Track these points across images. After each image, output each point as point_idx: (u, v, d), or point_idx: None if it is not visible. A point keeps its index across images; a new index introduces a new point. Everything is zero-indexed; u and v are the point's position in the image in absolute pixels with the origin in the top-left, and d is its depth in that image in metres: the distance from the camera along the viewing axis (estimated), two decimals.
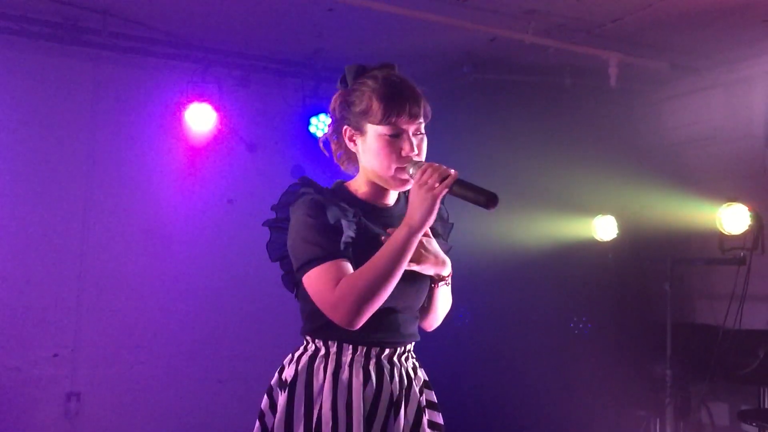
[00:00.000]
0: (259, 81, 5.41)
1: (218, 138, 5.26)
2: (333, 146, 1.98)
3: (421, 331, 2.01)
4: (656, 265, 4.66)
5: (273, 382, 1.91)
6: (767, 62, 4.67)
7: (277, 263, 1.96)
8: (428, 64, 5.09)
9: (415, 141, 1.80)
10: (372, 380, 1.79)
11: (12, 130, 4.83)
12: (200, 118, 5.05)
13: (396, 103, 1.78)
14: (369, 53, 4.97)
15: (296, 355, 1.88)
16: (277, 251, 1.93)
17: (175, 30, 4.80)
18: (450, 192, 1.68)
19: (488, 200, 1.65)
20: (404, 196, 1.97)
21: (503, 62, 4.99)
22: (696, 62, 4.87)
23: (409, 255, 1.71)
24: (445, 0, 4.00)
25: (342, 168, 1.99)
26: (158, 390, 5.14)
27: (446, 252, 1.95)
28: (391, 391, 1.80)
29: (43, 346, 4.89)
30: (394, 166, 1.80)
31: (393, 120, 1.78)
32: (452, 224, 2.03)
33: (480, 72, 5.02)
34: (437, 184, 1.68)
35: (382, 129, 1.80)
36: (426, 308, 1.98)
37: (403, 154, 1.79)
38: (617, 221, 4.82)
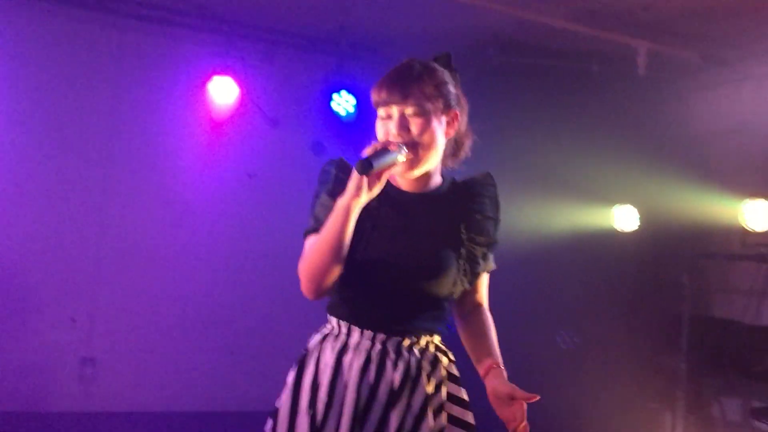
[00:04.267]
0: (283, 56, 5.39)
1: (240, 112, 5.26)
2: None
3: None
4: (676, 257, 4.61)
5: (298, 357, 1.92)
6: None
7: None
8: (453, 45, 5.00)
9: (409, 123, 1.79)
10: (372, 366, 1.79)
11: (36, 98, 4.86)
12: (223, 92, 5.05)
13: (379, 86, 1.82)
14: (394, 32, 4.94)
15: (318, 331, 1.93)
16: None
17: (201, 1, 4.78)
18: (356, 167, 1.66)
19: (359, 167, 1.65)
20: (450, 182, 1.94)
21: (530, 46, 4.93)
22: (726, 54, 4.77)
23: (347, 227, 1.71)
24: None
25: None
26: (172, 359, 5.19)
27: (492, 247, 1.90)
28: (393, 379, 1.79)
29: (61, 310, 4.95)
30: None
31: (377, 99, 1.82)
32: (498, 220, 1.92)
33: (506, 55, 4.95)
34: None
35: (378, 111, 1.85)
36: (473, 332, 1.94)
37: (389, 136, 1.80)
38: (639, 212, 4.77)
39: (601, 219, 4.87)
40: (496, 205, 1.93)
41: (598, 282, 4.98)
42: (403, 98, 1.78)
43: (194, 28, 5.02)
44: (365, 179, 1.68)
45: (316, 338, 1.90)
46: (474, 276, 1.90)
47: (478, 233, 1.88)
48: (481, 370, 1.86)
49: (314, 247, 1.77)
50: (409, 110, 1.79)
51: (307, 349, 1.89)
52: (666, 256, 4.84)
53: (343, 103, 5.30)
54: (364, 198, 1.70)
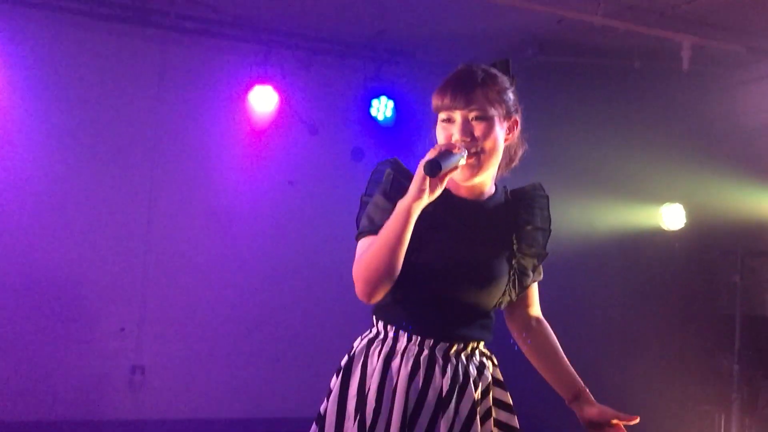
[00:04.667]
0: (321, 63, 5.42)
1: (280, 120, 5.30)
2: None
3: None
4: (725, 256, 4.50)
5: (342, 362, 1.92)
6: None
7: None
8: (492, 46, 5.01)
9: (473, 127, 1.78)
10: (420, 372, 1.79)
11: (81, 111, 4.97)
12: (263, 100, 5.10)
13: (441, 90, 1.81)
14: (432, 35, 4.92)
15: (362, 336, 1.92)
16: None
17: (240, 12, 4.84)
18: (424, 168, 1.65)
19: (428, 169, 1.63)
20: (505, 192, 1.93)
21: (570, 44, 4.87)
22: None
23: (406, 229, 1.68)
24: None
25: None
26: (218, 365, 5.25)
27: (542, 258, 1.91)
28: (441, 386, 1.79)
29: (110, 320, 5.05)
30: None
31: (440, 104, 1.80)
32: (550, 231, 1.94)
33: (546, 54, 4.90)
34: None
35: (439, 115, 1.83)
36: (534, 355, 1.98)
37: (452, 140, 1.78)
38: (685, 210, 4.67)
39: (648, 218, 4.78)
40: (548, 217, 1.93)
41: (648, 282, 4.89)
42: (467, 103, 1.77)
43: (234, 38, 5.08)
44: (428, 181, 1.66)
45: (361, 343, 1.89)
46: (522, 288, 1.90)
47: (530, 245, 1.88)
48: (566, 395, 1.92)
49: (372, 250, 1.72)
50: (472, 115, 1.78)
51: (352, 355, 1.88)
52: (716, 255, 4.73)
53: (382, 108, 5.30)
54: (426, 200, 1.68)
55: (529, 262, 1.88)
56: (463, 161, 1.72)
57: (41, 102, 4.83)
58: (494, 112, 1.79)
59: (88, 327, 4.98)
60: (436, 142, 1.83)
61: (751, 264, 4.44)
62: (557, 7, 4.19)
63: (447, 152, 1.67)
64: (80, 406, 4.90)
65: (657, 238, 4.81)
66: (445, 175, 1.68)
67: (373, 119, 5.31)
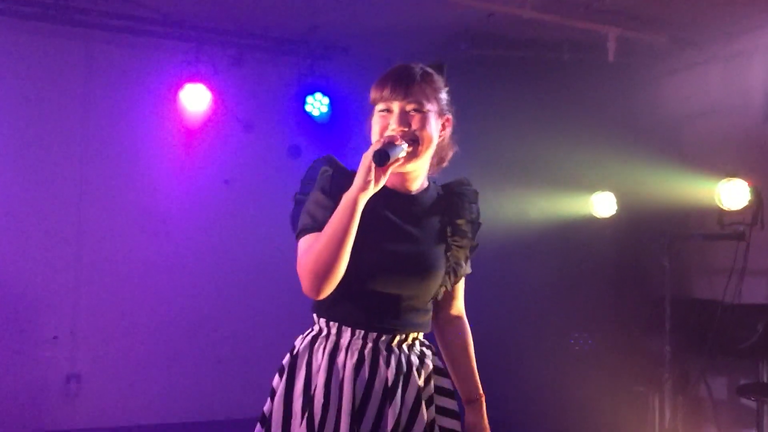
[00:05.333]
0: (254, 60, 5.36)
1: (213, 118, 5.23)
2: None
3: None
4: (655, 240, 4.64)
5: (284, 361, 1.93)
6: (766, 35, 4.63)
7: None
8: (425, 40, 5.04)
9: (410, 119, 1.84)
10: (365, 365, 1.83)
11: (5, 112, 4.80)
12: (195, 99, 5.02)
13: (383, 79, 1.87)
14: (365, 31, 4.92)
15: (304, 335, 1.94)
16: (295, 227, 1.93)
17: (168, 9, 4.74)
18: (374, 158, 1.71)
19: (376, 158, 1.70)
20: (435, 186, 2.00)
21: (501, 38, 4.94)
22: (694, 36, 4.82)
23: (353, 221, 1.72)
24: None
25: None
26: (157, 370, 5.15)
27: (473, 249, 2.00)
28: (386, 377, 1.83)
29: (43, 328, 4.90)
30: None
31: (380, 95, 1.85)
32: (480, 224, 2.02)
33: (477, 48, 4.97)
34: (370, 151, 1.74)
35: (377, 106, 1.88)
36: (445, 353, 2.07)
37: (389, 129, 1.83)
38: (616, 197, 4.81)
39: (580, 206, 4.90)
40: (477, 210, 2.02)
41: (581, 268, 5.01)
42: (406, 95, 1.84)
43: (163, 36, 4.97)
44: (374, 172, 1.71)
45: (304, 341, 1.90)
46: (456, 278, 1.98)
47: (462, 236, 1.96)
48: (463, 395, 2.05)
49: (321, 244, 1.73)
50: (410, 107, 1.84)
51: (295, 354, 1.89)
52: (646, 240, 4.87)
53: (317, 104, 5.28)
54: (371, 191, 1.73)
55: (461, 254, 1.97)
56: (404, 153, 1.78)
57: None
58: (430, 107, 1.86)
59: (19, 336, 4.82)
60: (372, 135, 1.88)
61: (678, 247, 4.60)
62: (488, 1, 4.25)
63: (391, 144, 1.74)
64: (14, 417, 4.74)
65: (589, 225, 4.93)
66: (390, 165, 1.73)
67: (309, 115, 5.29)
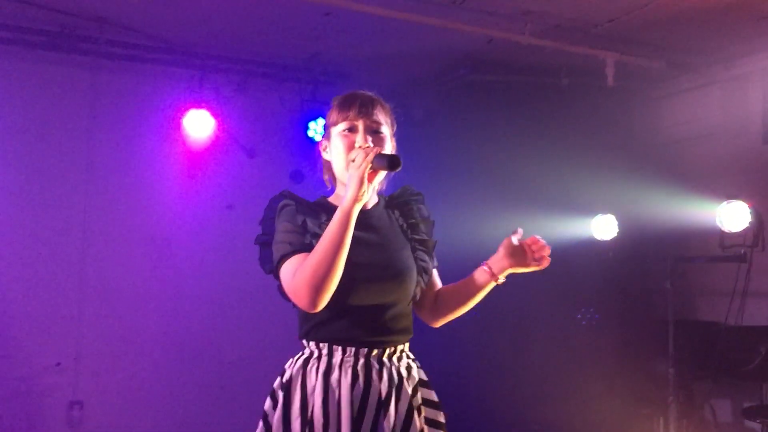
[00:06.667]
0: (257, 86, 5.41)
1: (217, 144, 5.26)
2: (324, 169, 2.18)
3: (423, 329, 2.07)
4: (657, 263, 4.65)
5: (275, 384, 2.00)
6: (763, 59, 4.68)
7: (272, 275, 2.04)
8: (425, 66, 5.10)
9: (371, 138, 1.96)
10: (360, 380, 1.88)
11: (10, 140, 4.83)
12: (199, 125, 5.05)
13: (347, 101, 2.01)
14: (366, 57, 4.98)
15: (294, 358, 2.00)
16: (269, 263, 2.01)
17: (172, 37, 4.81)
18: (372, 167, 1.83)
19: (390, 163, 1.83)
20: (384, 199, 2.13)
21: (500, 63, 5.00)
22: (692, 60, 4.87)
23: (348, 232, 1.81)
24: (442, 2, 4.01)
25: (327, 187, 2.18)
26: (161, 397, 5.14)
27: (433, 247, 2.11)
28: (380, 390, 1.88)
29: (46, 355, 4.89)
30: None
31: (345, 115, 1.99)
32: (433, 221, 2.16)
33: (477, 73, 5.02)
34: (362, 162, 1.83)
35: (339, 127, 2.00)
36: (451, 303, 2.09)
37: (356, 146, 1.95)
38: (617, 220, 4.82)
39: (580, 229, 4.91)
40: (427, 209, 2.17)
41: (584, 291, 5.01)
42: (369, 114, 1.98)
43: (166, 63, 5.03)
44: (365, 185, 1.82)
45: (296, 364, 1.96)
46: (427, 274, 2.08)
47: (420, 237, 2.09)
48: (487, 280, 2.04)
49: (317, 257, 1.80)
50: (373, 126, 1.99)
51: (288, 377, 1.95)
52: (648, 263, 4.88)
53: (320, 129, 5.32)
54: (363, 201, 1.85)
55: (426, 250, 2.08)
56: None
57: None
58: (387, 129, 2.02)
59: (21, 363, 4.81)
60: (334, 155, 2.01)
61: (681, 270, 4.60)
62: (487, 27, 4.30)
63: (381, 154, 1.87)
64: None
65: (592, 248, 4.94)
66: (376, 174, 1.87)
67: (311, 141, 5.32)
